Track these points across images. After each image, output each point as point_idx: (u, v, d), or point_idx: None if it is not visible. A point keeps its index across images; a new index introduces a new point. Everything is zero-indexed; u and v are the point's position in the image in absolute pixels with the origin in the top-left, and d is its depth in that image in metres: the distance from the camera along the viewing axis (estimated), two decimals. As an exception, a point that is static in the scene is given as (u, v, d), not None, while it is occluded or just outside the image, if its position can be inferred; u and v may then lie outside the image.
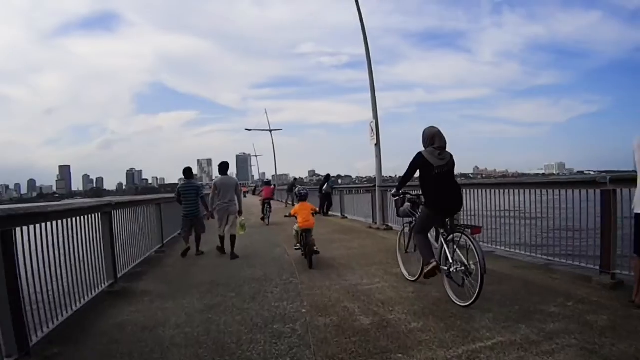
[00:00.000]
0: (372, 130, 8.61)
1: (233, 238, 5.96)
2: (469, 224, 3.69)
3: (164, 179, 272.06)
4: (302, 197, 5.56)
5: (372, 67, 8.64)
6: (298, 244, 5.28)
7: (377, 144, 8.53)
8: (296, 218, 5.26)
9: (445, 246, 3.34)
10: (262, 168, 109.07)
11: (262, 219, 10.99)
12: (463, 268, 3.14)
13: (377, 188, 8.76)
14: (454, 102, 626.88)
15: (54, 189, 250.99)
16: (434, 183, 3.34)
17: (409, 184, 3.75)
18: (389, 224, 8.42)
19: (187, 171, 6.64)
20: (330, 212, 13.02)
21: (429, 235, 3.60)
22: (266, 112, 33.41)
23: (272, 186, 28.50)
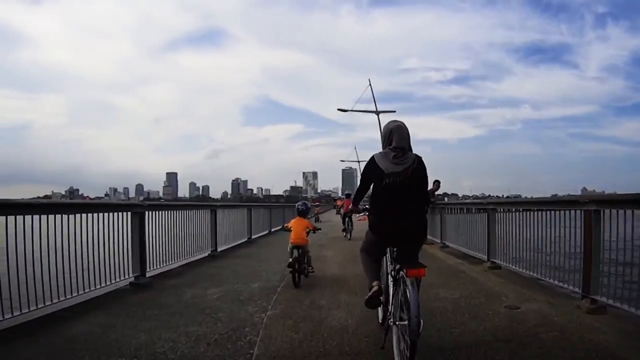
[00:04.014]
0: None
1: None
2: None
3: (269, 190, 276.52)
4: (300, 212, 5.35)
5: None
6: (290, 266, 4.67)
7: None
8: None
9: (390, 288, 2.50)
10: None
11: (343, 230, 11.14)
12: (406, 322, 2.16)
13: None
14: (560, 119, 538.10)
15: (161, 194, 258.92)
16: (382, 197, 2.49)
17: None
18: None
19: None
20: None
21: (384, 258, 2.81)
22: (370, 83, 22.44)
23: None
